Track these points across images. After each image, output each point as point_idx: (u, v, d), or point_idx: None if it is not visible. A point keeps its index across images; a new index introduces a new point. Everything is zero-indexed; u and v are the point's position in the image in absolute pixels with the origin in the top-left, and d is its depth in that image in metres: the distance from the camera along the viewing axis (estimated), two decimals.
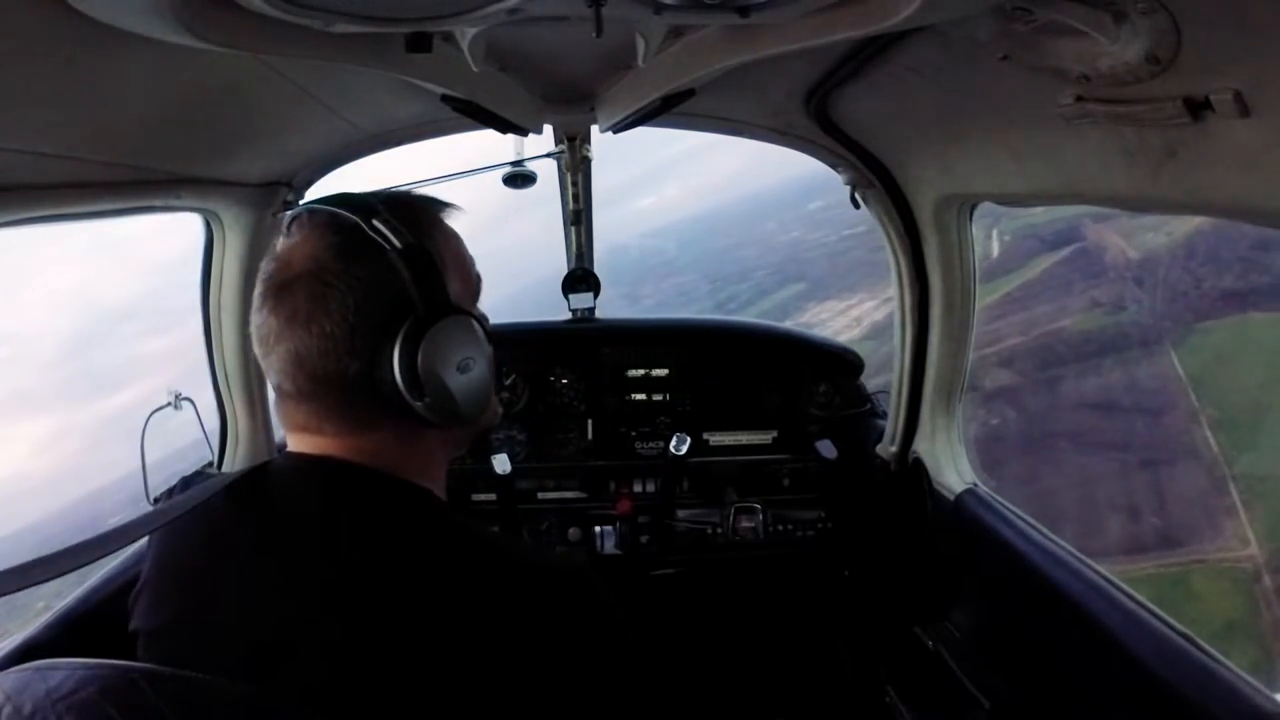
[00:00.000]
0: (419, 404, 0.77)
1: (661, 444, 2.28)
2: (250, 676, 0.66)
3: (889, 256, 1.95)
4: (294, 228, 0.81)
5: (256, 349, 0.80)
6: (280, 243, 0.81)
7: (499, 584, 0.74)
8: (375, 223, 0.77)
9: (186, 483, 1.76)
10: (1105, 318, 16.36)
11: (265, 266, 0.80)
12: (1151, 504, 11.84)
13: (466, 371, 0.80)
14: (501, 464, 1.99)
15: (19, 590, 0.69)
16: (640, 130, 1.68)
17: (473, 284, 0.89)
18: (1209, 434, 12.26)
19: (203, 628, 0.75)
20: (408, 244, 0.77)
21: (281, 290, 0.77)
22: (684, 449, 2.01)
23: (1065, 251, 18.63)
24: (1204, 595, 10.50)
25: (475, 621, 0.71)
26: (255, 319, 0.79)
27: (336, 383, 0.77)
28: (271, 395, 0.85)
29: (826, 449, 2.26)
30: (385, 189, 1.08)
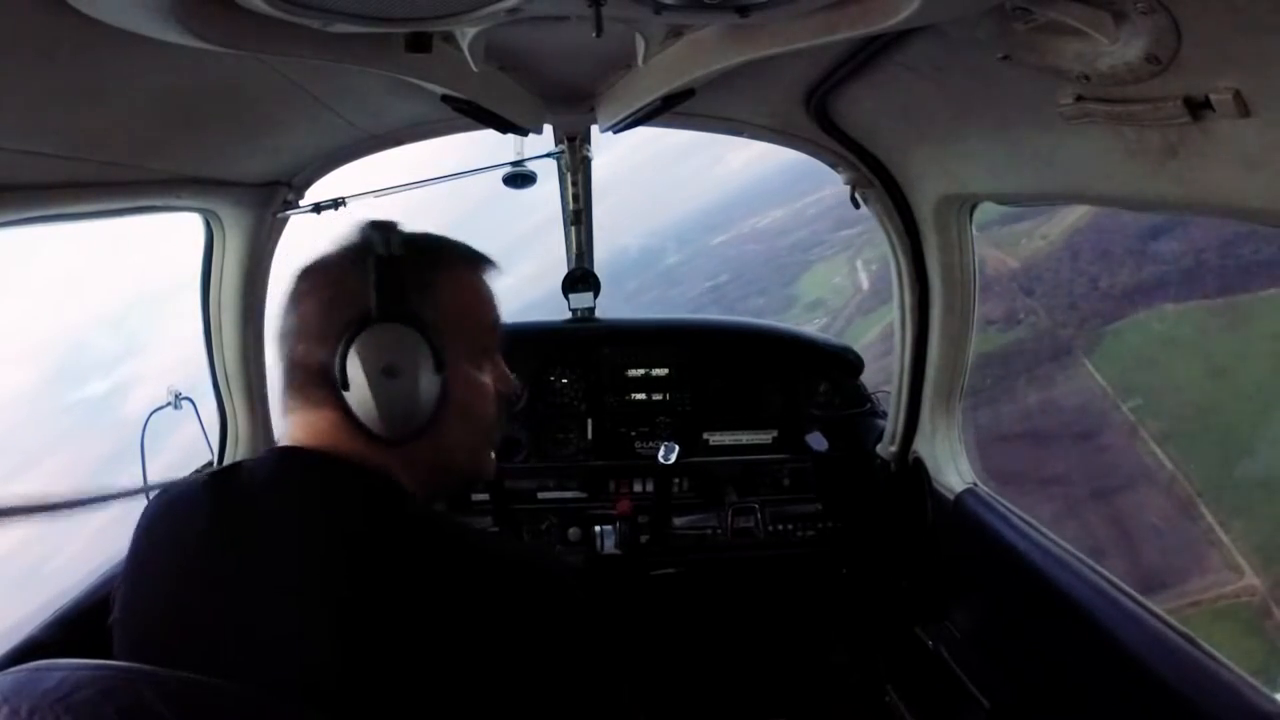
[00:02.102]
0: (345, 393, 0.82)
1: (661, 444, 2.28)
2: (222, 673, 0.67)
3: (889, 256, 1.95)
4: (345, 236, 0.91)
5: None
6: None
7: (469, 574, 0.76)
8: (380, 234, 0.85)
9: None
10: (1001, 336, 14.90)
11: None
12: (1115, 542, 10.13)
13: (393, 376, 0.82)
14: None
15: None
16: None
17: (476, 328, 0.92)
18: (1157, 449, 10.87)
19: (176, 621, 0.77)
20: (391, 255, 0.84)
21: (296, 277, 0.89)
22: (672, 458, 2.00)
23: None
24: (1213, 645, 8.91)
25: (442, 610, 0.72)
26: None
27: (300, 364, 0.85)
28: (273, 397, 0.87)
29: (816, 441, 2.26)
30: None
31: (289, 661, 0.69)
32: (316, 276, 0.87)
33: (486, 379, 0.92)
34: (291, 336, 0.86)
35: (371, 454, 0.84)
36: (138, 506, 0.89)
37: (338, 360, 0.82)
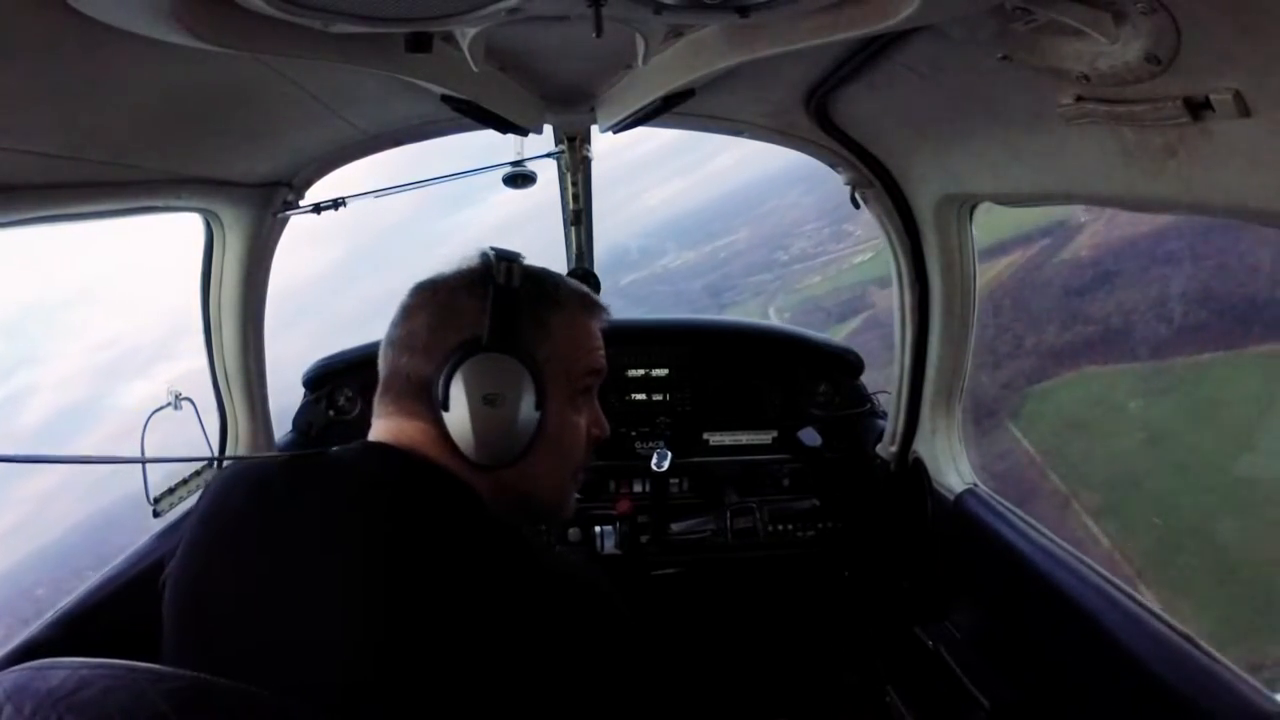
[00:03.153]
0: (444, 414, 0.83)
1: (661, 444, 2.28)
2: (267, 666, 0.67)
3: (889, 257, 1.95)
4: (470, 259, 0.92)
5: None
6: None
7: (523, 585, 0.75)
8: (505, 265, 0.87)
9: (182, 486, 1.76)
10: None
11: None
12: None
13: (493, 405, 0.83)
14: None
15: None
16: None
17: (577, 369, 0.94)
18: (1091, 523, 9.63)
19: (228, 595, 0.76)
20: (510, 287, 0.87)
21: (416, 289, 0.91)
22: (665, 465, 1.99)
23: (855, 322, 16.36)
24: None
25: (494, 618, 0.71)
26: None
27: (402, 375, 0.87)
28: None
29: (809, 436, 2.26)
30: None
31: (328, 653, 0.69)
32: (433, 293, 0.89)
33: (581, 419, 0.94)
34: (398, 346, 0.88)
35: (458, 468, 0.84)
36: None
37: (441, 380, 0.84)
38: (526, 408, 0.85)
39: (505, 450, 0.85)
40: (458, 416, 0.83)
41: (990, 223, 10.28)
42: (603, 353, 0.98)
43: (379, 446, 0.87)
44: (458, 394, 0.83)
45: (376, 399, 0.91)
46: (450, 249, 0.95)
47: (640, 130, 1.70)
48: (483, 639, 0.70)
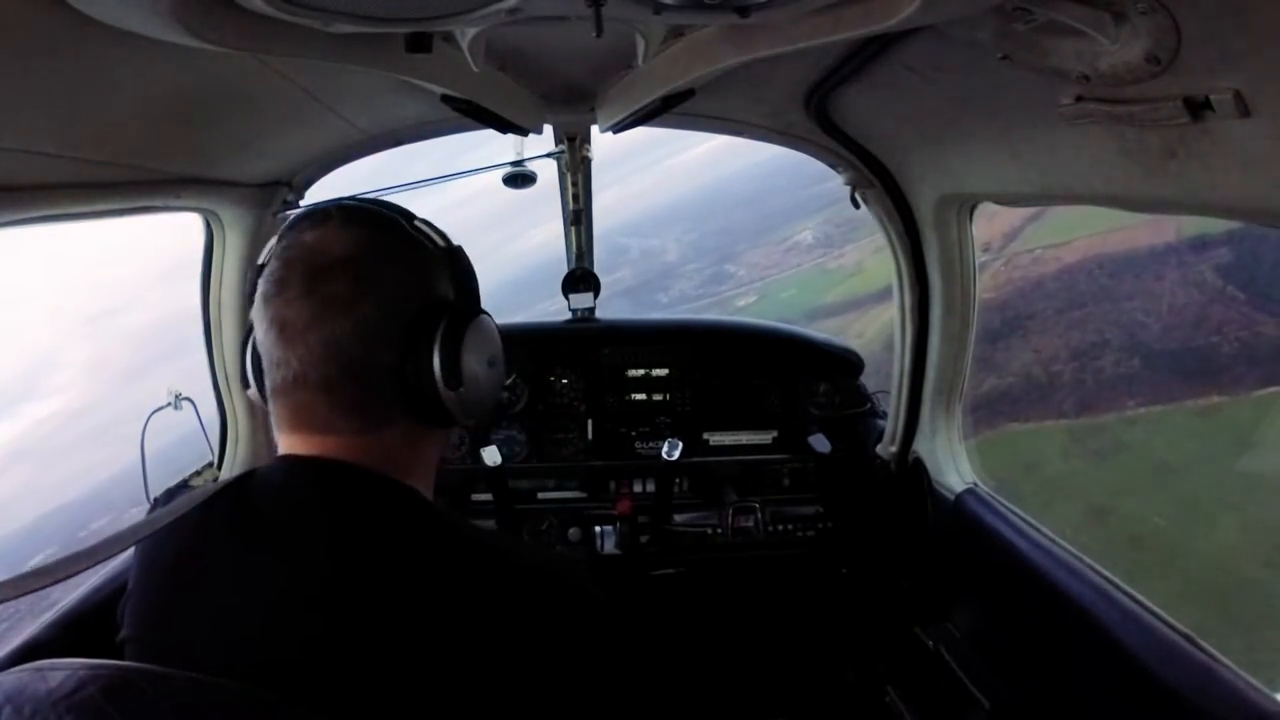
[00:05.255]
0: (453, 394, 0.79)
1: (661, 444, 2.28)
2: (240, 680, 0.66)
3: (889, 257, 1.95)
4: (323, 220, 0.79)
5: (270, 337, 0.77)
6: (303, 233, 0.79)
7: (492, 585, 0.74)
8: (416, 224, 0.82)
9: (181, 486, 1.76)
10: None
11: (287, 253, 0.78)
12: None
13: (494, 367, 0.85)
14: (491, 455, 1.96)
15: (15, 598, 0.70)
16: None
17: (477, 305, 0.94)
18: None
19: (189, 635, 0.74)
20: (450, 246, 0.84)
21: (318, 275, 0.75)
22: (676, 454, 2.00)
23: None
24: None
25: (468, 623, 0.71)
26: (273, 306, 0.77)
27: (366, 373, 0.77)
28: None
29: (819, 443, 2.26)
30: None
31: (303, 670, 0.68)
32: (361, 273, 0.76)
33: None
34: (352, 343, 0.75)
35: (413, 461, 0.83)
36: None
37: (440, 362, 0.77)
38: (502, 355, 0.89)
39: (493, 405, 0.87)
40: (473, 390, 0.81)
41: (876, 269, 8.77)
42: None
43: (316, 467, 0.78)
44: (471, 368, 0.79)
45: (315, 408, 0.77)
46: None
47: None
48: (432, 635, 0.69)
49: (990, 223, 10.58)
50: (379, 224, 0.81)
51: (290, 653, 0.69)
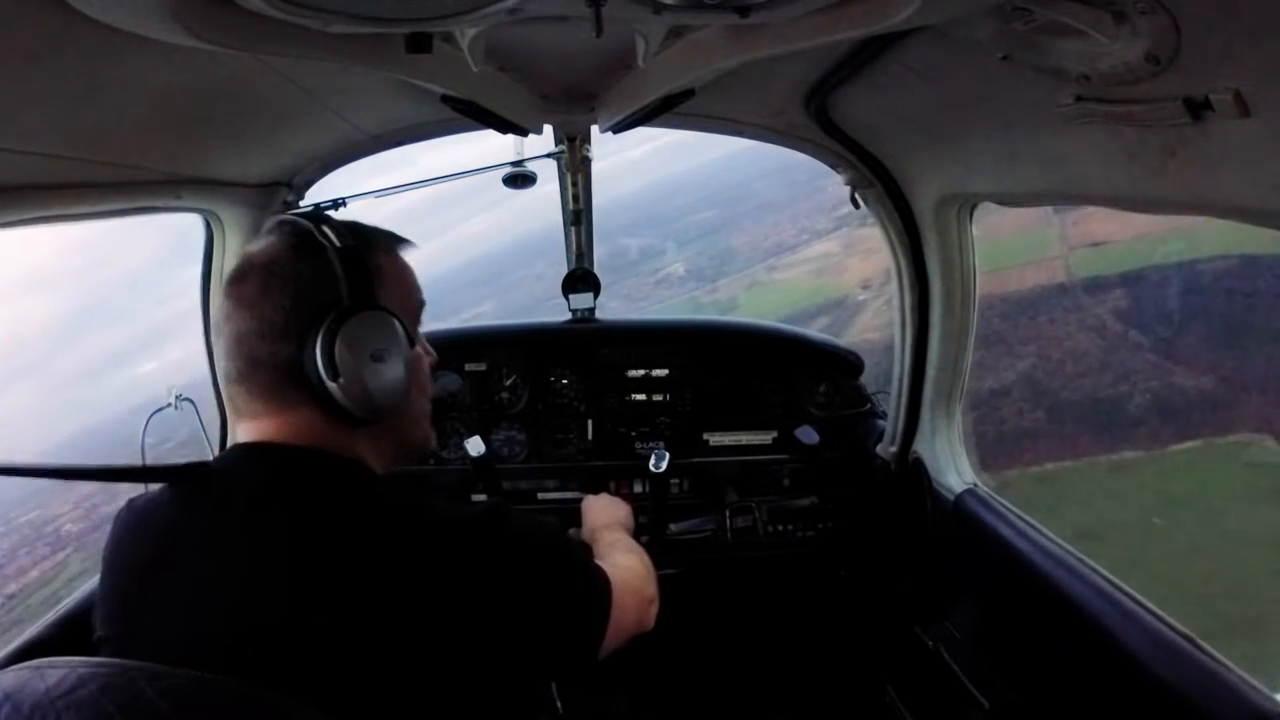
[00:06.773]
0: (334, 384, 0.84)
1: (659, 445, 2.28)
2: (205, 667, 0.67)
3: (889, 257, 1.95)
4: (266, 233, 0.93)
5: (212, 332, 0.89)
6: (252, 245, 0.92)
7: (420, 540, 0.79)
8: (324, 228, 0.89)
9: None
10: None
11: (230, 263, 0.87)
12: None
13: (380, 361, 0.87)
14: (475, 446, 1.88)
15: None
16: None
17: (414, 307, 0.99)
18: None
19: (158, 626, 0.77)
20: (346, 246, 0.88)
21: (236, 279, 0.88)
22: (664, 465, 1.98)
23: None
24: None
25: (390, 575, 0.75)
26: (213, 305, 0.86)
27: (267, 364, 0.85)
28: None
29: (806, 435, 2.25)
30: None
31: (261, 653, 0.71)
32: (269, 275, 0.87)
33: (421, 352, 0.99)
34: (254, 337, 0.85)
35: (345, 443, 0.88)
36: None
37: (320, 354, 0.83)
38: (404, 353, 0.91)
39: (395, 398, 0.90)
40: (351, 382, 0.84)
41: (759, 302, 9.38)
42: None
43: (260, 449, 0.87)
44: (345, 360, 0.84)
45: (238, 399, 0.89)
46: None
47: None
48: (385, 598, 0.74)
49: (867, 259, 10.40)
50: (294, 231, 0.90)
51: (247, 637, 0.72)
